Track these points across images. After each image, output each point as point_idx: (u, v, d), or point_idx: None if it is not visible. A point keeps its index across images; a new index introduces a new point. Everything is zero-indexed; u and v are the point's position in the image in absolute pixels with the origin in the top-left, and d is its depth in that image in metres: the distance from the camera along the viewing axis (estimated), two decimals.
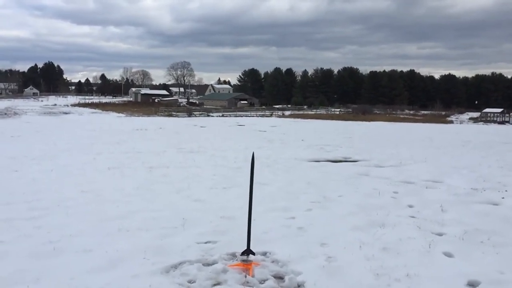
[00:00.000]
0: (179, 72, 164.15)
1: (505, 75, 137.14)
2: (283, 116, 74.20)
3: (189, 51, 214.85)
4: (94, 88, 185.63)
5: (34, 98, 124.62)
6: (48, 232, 7.66)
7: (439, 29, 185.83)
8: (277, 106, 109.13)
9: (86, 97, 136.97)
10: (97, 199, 10.34)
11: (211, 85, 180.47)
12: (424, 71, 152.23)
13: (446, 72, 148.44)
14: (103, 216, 8.73)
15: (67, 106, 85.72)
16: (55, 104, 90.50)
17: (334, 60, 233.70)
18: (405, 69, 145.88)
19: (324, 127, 45.86)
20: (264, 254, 6.82)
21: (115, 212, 9.06)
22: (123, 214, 8.91)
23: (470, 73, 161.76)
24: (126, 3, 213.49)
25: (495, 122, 74.70)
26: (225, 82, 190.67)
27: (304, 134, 33.67)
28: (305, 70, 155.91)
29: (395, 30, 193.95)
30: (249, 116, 69.78)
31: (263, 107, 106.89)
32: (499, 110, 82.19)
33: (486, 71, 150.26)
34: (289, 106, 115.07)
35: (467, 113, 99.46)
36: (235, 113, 77.92)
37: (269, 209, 9.54)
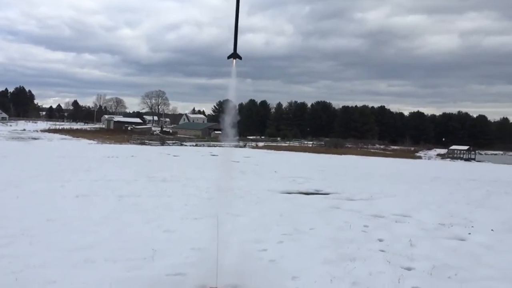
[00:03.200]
0: (153, 101, 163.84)
1: (471, 114, 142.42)
2: (257, 147, 74.47)
3: (164, 80, 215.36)
4: (66, 114, 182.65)
5: (2, 123, 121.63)
6: (10, 262, 7.37)
7: (409, 68, 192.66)
8: (251, 137, 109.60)
9: (57, 123, 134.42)
10: (63, 228, 10.05)
11: (186, 114, 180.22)
12: (394, 107, 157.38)
13: (415, 109, 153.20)
14: (69, 246, 8.47)
15: (37, 131, 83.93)
16: (24, 129, 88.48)
17: (308, 94, 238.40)
18: (376, 105, 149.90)
19: (297, 159, 46.20)
20: (235, 287, 6.72)
21: (81, 242, 8.81)
22: (90, 244, 8.67)
23: (438, 111, 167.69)
24: (103, 32, 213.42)
25: (461, 159, 76.84)
26: (199, 112, 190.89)
27: (277, 166, 33.81)
28: (280, 102, 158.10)
29: (367, 68, 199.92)
30: (223, 147, 69.76)
31: (237, 137, 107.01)
32: (465, 147, 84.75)
33: (453, 109, 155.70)
34: (263, 137, 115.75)
35: (435, 149, 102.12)
36: (209, 143, 77.77)
37: (241, 240, 9.46)
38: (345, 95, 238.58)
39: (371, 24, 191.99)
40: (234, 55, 6.75)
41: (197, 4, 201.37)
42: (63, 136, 71.93)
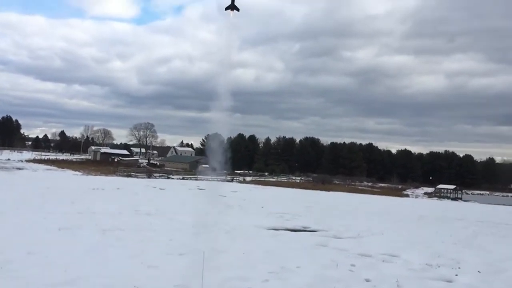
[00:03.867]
0: (141, 133, 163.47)
1: (458, 154, 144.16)
2: (244, 182, 74.13)
3: (153, 112, 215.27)
4: (52, 144, 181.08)
5: None
6: None
7: (396, 107, 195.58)
8: (238, 172, 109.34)
9: (43, 153, 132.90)
10: (44, 262, 9.77)
11: (174, 147, 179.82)
12: (382, 145, 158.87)
13: (403, 148, 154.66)
14: (49, 281, 8.21)
15: (22, 161, 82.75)
16: (9, 159, 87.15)
17: (297, 129, 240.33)
18: (364, 142, 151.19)
19: (284, 194, 46.03)
20: None
21: (62, 277, 8.56)
22: (71, 280, 8.42)
23: (425, 150, 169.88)
24: (94, 63, 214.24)
25: (448, 198, 77.21)
26: (187, 145, 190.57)
27: (264, 201, 33.61)
28: (268, 137, 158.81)
29: (355, 105, 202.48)
30: (210, 180, 69.40)
31: (225, 171, 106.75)
32: (452, 187, 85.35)
33: (440, 148, 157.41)
34: (251, 172, 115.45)
35: (422, 188, 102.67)
36: (196, 176, 77.36)
37: (226, 278, 9.28)
38: (333, 131, 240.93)
39: (359, 63, 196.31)
40: (232, 6, 6.64)
41: (189, 38, 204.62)
42: (48, 167, 71.00)
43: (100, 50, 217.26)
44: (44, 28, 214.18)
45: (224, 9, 7.02)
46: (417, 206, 45.65)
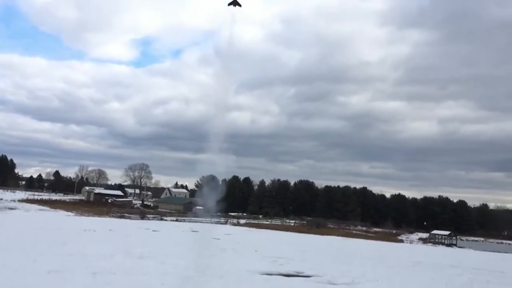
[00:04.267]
0: (136, 174, 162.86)
1: (451, 199, 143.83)
2: (238, 224, 73.42)
3: (149, 153, 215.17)
4: (46, 184, 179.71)
5: None
6: None
7: (390, 152, 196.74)
8: (232, 214, 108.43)
9: (36, 193, 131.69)
10: None
11: (168, 188, 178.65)
12: (376, 189, 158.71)
13: (397, 192, 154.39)
14: None
15: (14, 201, 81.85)
16: (1, 199, 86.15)
17: (291, 172, 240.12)
18: (358, 186, 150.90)
19: (278, 238, 45.56)
20: None
21: None
22: None
23: (418, 195, 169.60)
24: (91, 104, 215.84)
25: (443, 244, 76.57)
26: (182, 187, 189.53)
27: (258, 245, 33.24)
28: (263, 180, 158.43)
29: (349, 149, 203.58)
30: (204, 222, 68.68)
31: (219, 214, 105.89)
32: (447, 232, 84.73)
33: (434, 193, 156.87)
34: (245, 214, 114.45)
35: (416, 233, 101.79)
36: (190, 218, 76.61)
37: None
38: (327, 174, 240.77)
39: (353, 108, 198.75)
40: (234, 2, 6.84)
41: (186, 80, 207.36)
42: (41, 207, 70.24)
43: (99, 91, 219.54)
44: (44, 69, 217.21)
45: (227, 4, 7.37)
46: (412, 252, 45.22)
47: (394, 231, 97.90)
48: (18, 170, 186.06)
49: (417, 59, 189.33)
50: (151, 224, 53.18)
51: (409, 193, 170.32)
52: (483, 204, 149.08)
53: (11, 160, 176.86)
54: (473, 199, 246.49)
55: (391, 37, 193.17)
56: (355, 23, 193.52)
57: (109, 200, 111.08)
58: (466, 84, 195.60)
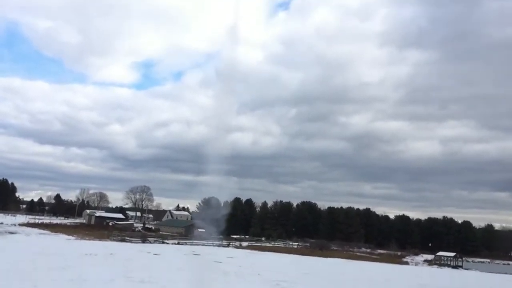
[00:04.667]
0: (138, 196, 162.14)
1: (456, 220, 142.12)
2: (241, 247, 72.67)
3: (150, 176, 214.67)
4: (47, 208, 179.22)
5: None
6: None
7: (392, 172, 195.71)
8: (234, 236, 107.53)
9: (37, 217, 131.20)
10: None
11: (170, 211, 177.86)
12: (379, 210, 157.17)
13: (400, 213, 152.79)
14: None
15: (15, 225, 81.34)
16: (2, 223, 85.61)
17: (294, 194, 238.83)
18: (362, 207, 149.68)
19: (281, 261, 44.98)
20: None
21: None
22: None
23: (423, 215, 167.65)
24: (93, 127, 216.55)
25: (449, 266, 75.48)
26: (183, 209, 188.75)
27: (260, 268, 32.76)
28: (265, 201, 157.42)
29: (351, 170, 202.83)
30: (206, 245, 68.00)
31: (221, 236, 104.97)
32: (452, 254, 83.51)
33: (438, 214, 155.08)
34: (247, 237, 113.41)
35: (421, 254, 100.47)
36: (192, 241, 75.94)
37: None
38: (330, 195, 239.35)
39: (354, 128, 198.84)
40: None
41: (187, 102, 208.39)
42: (42, 231, 69.73)
43: (100, 114, 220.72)
44: (46, 93, 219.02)
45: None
46: (418, 274, 44.55)
47: (399, 253, 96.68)
48: (19, 194, 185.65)
49: (417, 79, 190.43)
50: (152, 247, 52.63)
51: (413, 214, 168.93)
52: (488, 224, 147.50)
53: (12, 183, 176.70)
54: (478, 219, 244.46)
55: (391, 58, 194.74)
56: (355, 44, 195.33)
57: (110, 224, 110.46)
58: (467, 103, 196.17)
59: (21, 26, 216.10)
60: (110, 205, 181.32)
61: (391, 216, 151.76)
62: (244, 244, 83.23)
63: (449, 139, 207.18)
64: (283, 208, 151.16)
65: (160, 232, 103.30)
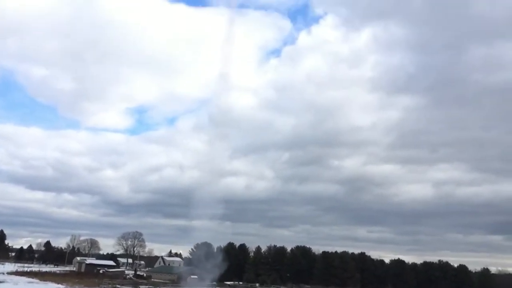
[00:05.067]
0: (129, 242, 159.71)
1: (452, 263, 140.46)
2: None
3: (142, 221, 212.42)
4: (36, 255, 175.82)
5: None
6: None
7: (386, 215, 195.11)
8: (228, 283, 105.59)
9: (26, 265, 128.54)
10: None
11: (162, 257, 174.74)
12: (374, 254, 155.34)
13: (396, 257, 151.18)
14: None
15: (3, 274, 79.64)
16: None
17: (288, 238, 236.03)
18: (356, 251, 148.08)
19: None
20: None
21: None
22: None
23: (418, 259, 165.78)
24: (85, 172, 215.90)
25: None
26: (176, 255, 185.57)
27: None
28: (259, 246, 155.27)
29: (345, 213, 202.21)
30: None
31: (214, 283, 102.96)
32: None
33: (433, 258, 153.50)
34: (241, 283, 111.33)
35: None
36: None
37: None
38: (324, 239, 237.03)
39: (347, 171, 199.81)
40: None
41: (181, 147, 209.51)
42: (31, 279, 68.38)
43: (93, 160, 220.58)
44: (39, 139, 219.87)
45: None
46: None
47: None
48: (8, 241, 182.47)
49: (407, 123, 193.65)
50: None
51: (408, 258, 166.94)
52: (484, 268, 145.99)
53: (2, 231, 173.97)
54: (474, 263, 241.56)
55: (381, 103, 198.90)
56: (345, 90, 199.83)
57: (101, 271, 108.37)
58: (457, 146, 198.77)
59: (17, 74, 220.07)
60: (101, 252, 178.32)
61: (386, 260, 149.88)
62: None
63: (441, 182, 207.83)
64: (277, 253, 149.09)
65: (152, 280, 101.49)
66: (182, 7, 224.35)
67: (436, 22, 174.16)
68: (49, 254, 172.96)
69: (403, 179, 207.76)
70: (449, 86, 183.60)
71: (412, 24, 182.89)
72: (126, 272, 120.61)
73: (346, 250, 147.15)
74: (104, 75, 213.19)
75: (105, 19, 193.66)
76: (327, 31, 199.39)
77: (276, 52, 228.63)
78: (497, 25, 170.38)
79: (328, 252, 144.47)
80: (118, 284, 70.95)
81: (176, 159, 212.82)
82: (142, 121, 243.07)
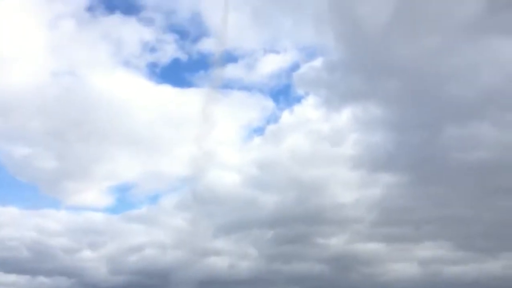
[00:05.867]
0: None
1: None
2: None
3: None
4: None
5: None
6: None
7: None
8: None
9: None
10: None
11: None
12: None
13: None
14: None
15: None
16: None
17: None
18: None
19: None
20: None
21: None
22: None
23: None
24: (62, 253, 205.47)
25: None
26: None
27: None
28: None
29: None
30: None
31: None
32: None
33: None
34: None
35: None
36: None
37: None
38: None
39: (333, 250, 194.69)
40: None
41: (163, 225, 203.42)
42: None
43: (71, 240, 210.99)
44: (17, 218, 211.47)
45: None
46: None
47: None
48: None
49: (389, 200, 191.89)
50: None
51: None
52: None
53: None
54: None
55: (363, 180, 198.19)
56: (328, 167, 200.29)
57: None
58: (441, 224, 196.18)
59: (0, 155, 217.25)
60: None
61: None
62: None
63: (427, 261, 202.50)
64: None
65: None
66: (167, 88, 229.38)
67: (412, 103, 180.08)
68: None
69: (389, 257, 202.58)
70: (429, 164, 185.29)
71: (389, 105, 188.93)
72: None
73: None
74: (87, 154, 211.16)
75: (92, 99, 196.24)
76: (309, 111, 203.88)
77: (259, 131, 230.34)
78: (471, 107, 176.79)
79: None
80: None
81: (158, 238, 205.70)
82: (123, 199, 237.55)
